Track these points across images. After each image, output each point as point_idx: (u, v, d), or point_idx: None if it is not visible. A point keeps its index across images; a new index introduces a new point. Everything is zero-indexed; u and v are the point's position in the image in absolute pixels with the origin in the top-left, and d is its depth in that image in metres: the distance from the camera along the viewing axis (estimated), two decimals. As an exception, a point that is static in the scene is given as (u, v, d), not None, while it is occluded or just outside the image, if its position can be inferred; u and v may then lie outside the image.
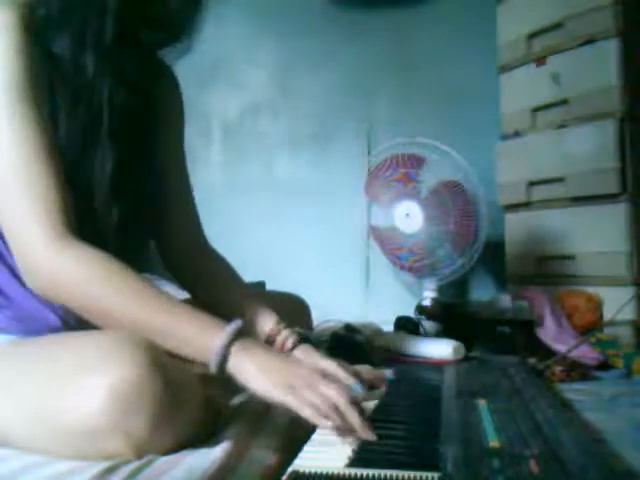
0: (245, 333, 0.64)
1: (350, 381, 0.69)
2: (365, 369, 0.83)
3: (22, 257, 0.65)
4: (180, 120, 0.93)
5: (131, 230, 0.75)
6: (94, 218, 0.71)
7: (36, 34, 0.68)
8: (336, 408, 0.58)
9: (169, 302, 0.65)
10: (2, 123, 0.65)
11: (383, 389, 0.80)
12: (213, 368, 0.62)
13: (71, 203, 0.67)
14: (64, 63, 0.69)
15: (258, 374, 0.61)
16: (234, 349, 0.62)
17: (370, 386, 0.79)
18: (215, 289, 0.89)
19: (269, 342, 0.81)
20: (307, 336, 0.84)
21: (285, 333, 0.81)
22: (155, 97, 0.82)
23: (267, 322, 0.82)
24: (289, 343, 0.80)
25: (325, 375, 0.63)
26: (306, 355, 0.78)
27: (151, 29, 0.76)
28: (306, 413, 0.57)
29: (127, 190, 0.73)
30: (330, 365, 0.72)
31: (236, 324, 0.64)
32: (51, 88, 0.69)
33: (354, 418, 0.57)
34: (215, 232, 0.99)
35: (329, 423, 0.56)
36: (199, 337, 0.63)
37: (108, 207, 0.72)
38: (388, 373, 0.85)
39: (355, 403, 0.59)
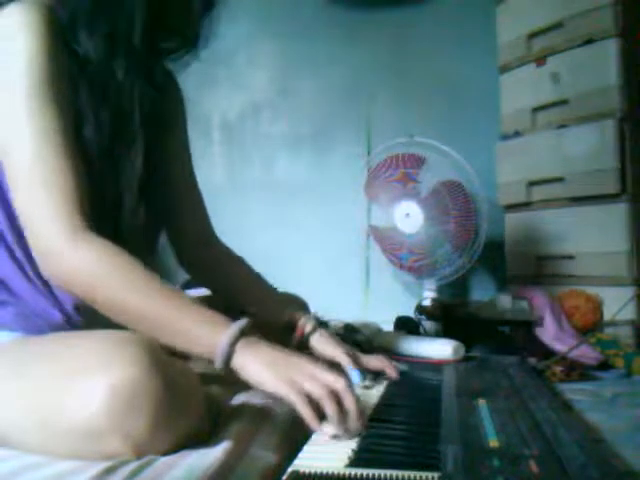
0: (250, 331, 0.66)
1: (350, 368, 0.78)
2: (376, 358, 0.88)
3: (38, 245, 0.66)
4: (184, 121, 0.96)
5: (150, 227, 0.80)
6: (120, 216, 0.74)
7: (60, 35, 0.70)
8: (335, 395, 0.60)
9: (178, 298, 0.67)
10: (23, 118, 0.66)
11: (393, 376, 0.85)
12: (219, 364, 0.64)
13: (88, 196, 0.68)
14: (91, 65, 0.71)
15: (262, 369, 0.63)
16: (239, 346, 0.64)
17: (378, 373, 0.86)
18: (229, 279, 0.96)
19: (290, 326, 0.88)
20: (323, 322, 0.92)
21: (304, 319, 0.89)
22: (163, 99, 0.84)
23: (286, 309, 0.91)
24: (308, 327, 0.87)
25: (327, 367, 0.65)
26: (322, 340, 0.87)
27: (169, 35, 0.79)
28: (304, 413, 0.59)
29: (150, 189, 0.77)
30: (335, 352, 0.82)
31: (241, 322, 0.66)
32: (76, 88, 0.70)
33: (350, 403, 0.60)
34: (215, 232, 0.99)
35: (323, 428, 0.58)
36: (206, 334, 0.65)
37: (136, 206, 0.75)
38: (402, 366, 0.90)
39: (352, 392, 0.62)
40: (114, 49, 0.72)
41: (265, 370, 0.63)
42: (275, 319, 0.90)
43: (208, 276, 0.97)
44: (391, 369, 0.85)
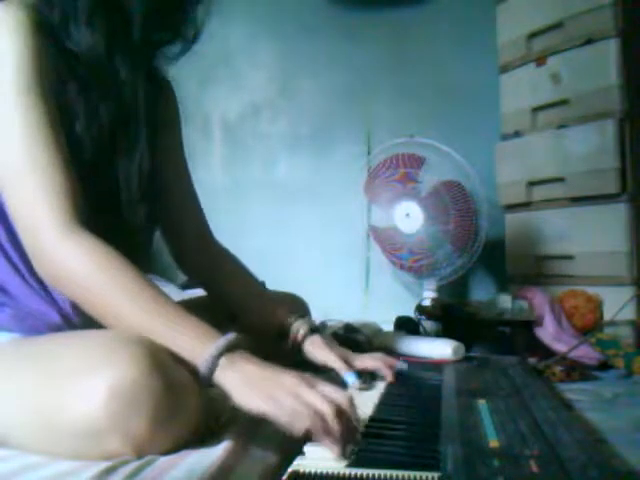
0: (239, 345, 0.63)
1: (345, 373, 0.79)
2: (371, 357, 0.87)
3: (30, 241, 0.66)
4: (179, 123, 0.96)
5: (146, 228, 0.79)
6: (119, 215, 0.74)
7: (45, 33, 0.70)
8: (322, 417, 0.55)
9: (164, 304, 0.64)
10: (12, 116, 0.66)
11: (388, 378, 0.83)
12: (202, 377, 0.61)
13: (80, 192, 0.68)
14: (89, 62, 0.71)
15: (240, 386, 0.59)
16: (222, 361, 0.60)
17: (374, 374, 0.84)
18: (225, 282, 0.95)
19: (282, 333, 0.87)
20: (317, 326, 0.89)
21: (297, 324, 0.87)
22: (160, 99, 0.85)
23: (279, 313, 0.89)
24: (301, 333, 0.86)
25: (314, 383, 0.60)
26: (314, 346, 0.85)
27: (163, 30, 0.79)
28: (283, 420, 0.55)
29: (151, 188, 0.77)
30: (328, 357, 0.82)
31: (228, 338, 0.62)
32: (65, 85, 0.70)
33: (336, 430, 0.54)
34: (215, 232, 0.99)
35: (303, 431, 0.54)
36: (189, 345, 0.62)
37: (136, 205, 0.74)
38: (399, 365, 0.88)
39: (342, 411, 0.56)
40: (114, 46, 0.72)
41: (243, 388, 0.59)
42: (267, 325, 0.89)
43: (205, 278, 0.96)
44: (386, 369, 0.83)
